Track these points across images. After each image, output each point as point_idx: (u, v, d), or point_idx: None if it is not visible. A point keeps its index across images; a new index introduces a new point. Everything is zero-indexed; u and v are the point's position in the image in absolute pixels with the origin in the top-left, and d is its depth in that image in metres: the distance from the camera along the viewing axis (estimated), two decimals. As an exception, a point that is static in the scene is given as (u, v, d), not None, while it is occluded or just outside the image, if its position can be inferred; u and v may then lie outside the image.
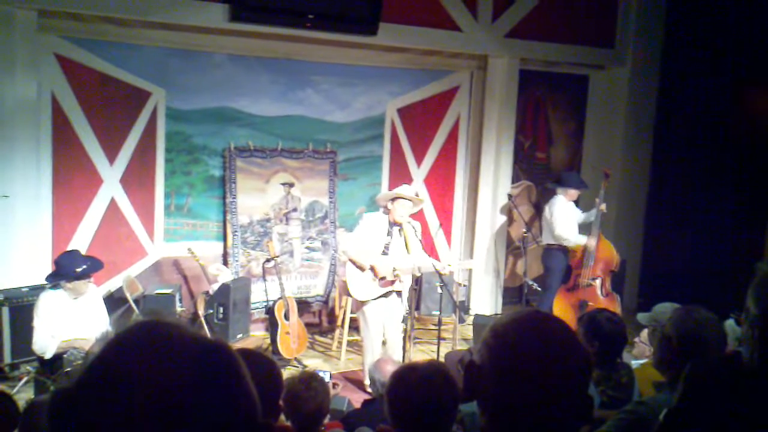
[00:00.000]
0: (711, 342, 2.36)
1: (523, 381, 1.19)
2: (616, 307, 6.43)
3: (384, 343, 5.69)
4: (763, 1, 7.27)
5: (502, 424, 1.22)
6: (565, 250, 7.20)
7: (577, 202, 7.55)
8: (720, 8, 7.73)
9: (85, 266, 4.65)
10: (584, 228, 7.23)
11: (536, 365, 1.19)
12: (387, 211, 5.52)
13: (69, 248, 5.76)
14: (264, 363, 2.49)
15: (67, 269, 4.62)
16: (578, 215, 7.31)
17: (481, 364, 1.24)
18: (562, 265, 7.23)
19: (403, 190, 5.59)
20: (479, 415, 1.26)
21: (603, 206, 7.05)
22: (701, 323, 2.40)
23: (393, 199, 5.51)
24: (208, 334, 5.74)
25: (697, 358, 2.00)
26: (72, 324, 4.65)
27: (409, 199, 5.51)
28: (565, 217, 7.16)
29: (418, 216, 6.90)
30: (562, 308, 6.91)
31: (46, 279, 4.87)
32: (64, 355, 4.44)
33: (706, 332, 2.38)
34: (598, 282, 6.97)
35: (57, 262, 4.76)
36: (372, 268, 5.45)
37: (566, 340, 1.24)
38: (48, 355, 4.58)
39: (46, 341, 4.58)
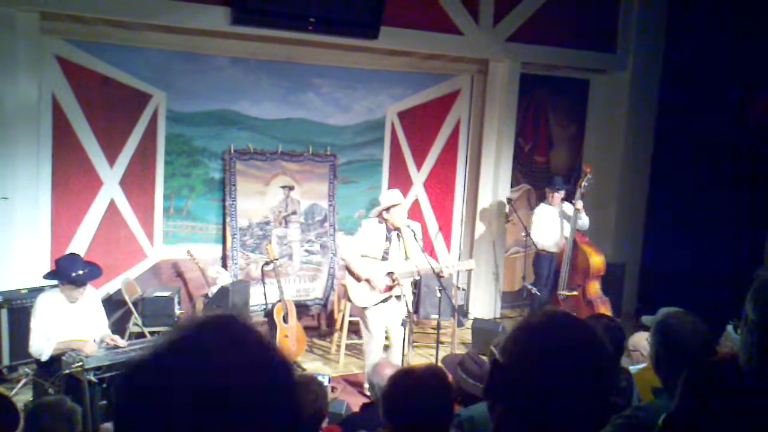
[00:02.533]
0: (688, 348, 2.34)
1: (547, 378, 1.19)
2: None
3: (387, 347, 5.68)
4: (764, 6, 7.27)
5: (523, 421, 1.22)
6: (548, 256, 7.22)
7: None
8: (721, 13, 7.73)
9: (82, 272, 4.63)
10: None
11: (561, 362, 1.19)
12: (382, 220, 5.47)
13: (69, 251, 5.76)
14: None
15: (64, 271, 4.61)
16: (557, 218, 7.28)
17: (504, 361, 1.24)
18: (546, 271, 7.23)
19: (393, 198, 5.47)
20: (496, 413, 1.25)
21: (579, 204, 6.90)
22: (677, 330, 2.39)
23: (387, 209, 5.46)
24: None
25: (696, 364, 1.99)
26: (69, 326, 4.63)
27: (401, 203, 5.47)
28: (538, 221, 7.34)
29: (419, 218, 6.88)
30: None
31: (44, 277, 4.88)
32: (63, 357, 4.41)
33: (683, 338, 2.37)
34: (578, 291, 6.89)
35: (57, 263, 4.75)
36: (368, 281, 5.44)
37: (591, 340, 1.24)
38: (44, 357, 4.56)
39: (42, 343, 4.57)
